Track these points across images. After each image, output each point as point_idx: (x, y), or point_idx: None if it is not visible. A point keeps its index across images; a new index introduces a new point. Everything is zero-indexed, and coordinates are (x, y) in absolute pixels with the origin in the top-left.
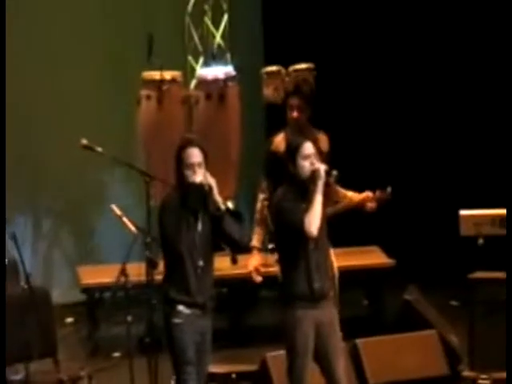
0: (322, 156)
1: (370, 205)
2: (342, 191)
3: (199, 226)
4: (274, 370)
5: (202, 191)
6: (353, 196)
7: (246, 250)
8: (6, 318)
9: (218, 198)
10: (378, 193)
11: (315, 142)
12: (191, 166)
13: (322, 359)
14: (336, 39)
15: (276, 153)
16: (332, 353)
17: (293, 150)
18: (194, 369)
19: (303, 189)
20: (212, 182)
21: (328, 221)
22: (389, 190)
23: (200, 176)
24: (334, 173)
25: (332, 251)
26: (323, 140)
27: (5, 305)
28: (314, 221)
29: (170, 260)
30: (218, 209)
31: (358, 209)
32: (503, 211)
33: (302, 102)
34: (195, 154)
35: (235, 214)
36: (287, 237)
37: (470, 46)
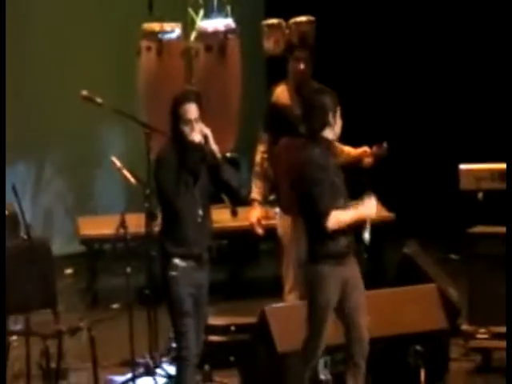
0: None
1: (367, 160)
2: (339, 146)
3: (198, 182)
4: (272, 322)
5: (202, 151)
6: (350, 151)
7: (245, 201)
8: (5, 269)
9: (215, 147)
10: (374, 148)
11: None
12: (189, 122)
13: (345, 315)
14: None
15: (276, 104)
16: (355, 308)
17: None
18: (191, 320)
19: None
20: (207, 131)
21: None
22: (385, 145)
23: (198, 134)
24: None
25: None
26: None
27: (5, 296)
28: (335, 224)
29: (167, 214)
30: (215, 157)
31: (355, 164)
32: (503, 165)
33: (308, 55)
34: (192, 110)
35: (232, 162)
36: (308, 204)
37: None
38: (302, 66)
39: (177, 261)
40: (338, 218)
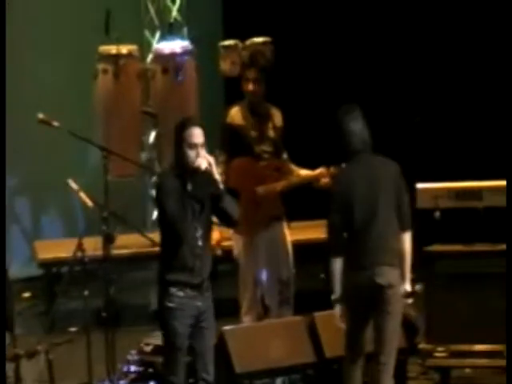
0: (276, 131)
1: (324, 180)
2: (296, 170)
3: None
4: (231, 343)
5: (209, 179)
6: (307, 174)
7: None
8: (5, 270)
9: (218, 177)
10: (332, 169)
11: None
12: (194, 147)
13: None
14: (295, 13)
15: (231, 125)
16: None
17: None
18: (183, 356)
19: None
20: (211, 160)
21: (282, 195)
22: (343, 166)
23: (205, 161)
24: (285, 156)
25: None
26: (277, 115)
27: (5, 294)
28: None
29: (168, 240)
30: (218, 186)
31: (312, 184)
32: (460, 184)
33: (258, 75)
34: (198, 134)
35: (231, 192)
36: None
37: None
38: (251, 87)
39: (174, 290)
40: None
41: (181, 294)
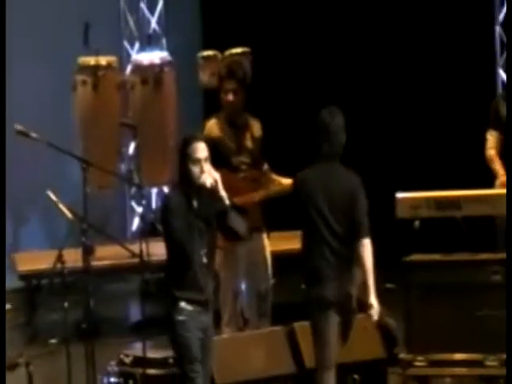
0: (254, 142)
1: None
2: (278, 179)
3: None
4: None
5: (214, 197)
6: (286, 181)
7: None
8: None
9: (223, 193)
10: None
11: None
12: (198, 162)
13: None
14: (275, 23)
15: (208, 137)
16: None
17: None
18: (200, 366)
19: None
20: (216, 176)
21: (261, 206)
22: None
23: (210, 178)
24: (265, 166)
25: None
26: (256, 126)
27: (5, 304)
28: None
29: (175, 259)
30: (224, 204)
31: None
32: (439, 193)
33: (236, 86)
34: (202, 149)
35: (238, 209)
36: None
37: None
38: (230, 98)
39: (183, 304)
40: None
41: (190, 308)
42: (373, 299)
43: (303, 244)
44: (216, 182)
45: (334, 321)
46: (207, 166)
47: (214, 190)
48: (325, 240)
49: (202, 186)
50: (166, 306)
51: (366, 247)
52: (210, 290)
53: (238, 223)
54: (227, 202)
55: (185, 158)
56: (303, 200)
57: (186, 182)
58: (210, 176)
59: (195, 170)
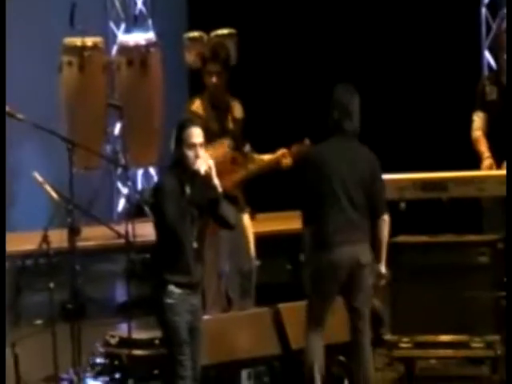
0: (235, 123)
1: (285, 161)
2: (258, 157)
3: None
4: None
5: (207, 185)
6: (268, 158)
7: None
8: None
9: (216, 181)
10: (294, 147)
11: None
12: (193, 147)
13: None
14: (261, 5)
15: (196, 114)
16: None
17: None
18: (188, 349)
19: None
20: (211, 163)
21: (243, 185)
22: (306, 141)
23: (204, 165)
24: (247, 147)
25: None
26: (237, 107)
27: (5, 299)
28: None
29: (167, 243)
30: (216, 192)
31: (274, 169)
32: (425, 175)
33: (220, 69)
34: (197, 134)
35: (230, 199)
36: None
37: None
38: (214, 80)
39: (172, 287)
40: None
41: (178, 290)
42: (383, 268)
43: (312, 212)
44: (210, 168)
45: (332, 290)
46: (202, 152)
47: (207, 178)
48: (342, 208)
49: (196, 173)
50: (153, 288)
51: (386, 222)
52: (198, 273)
53: (229, 212)
54: (220, 190)
55: (180, 142)
56: (323, 169)
57: (180, 167)
58: (204, 163)
59: (190, 154)
